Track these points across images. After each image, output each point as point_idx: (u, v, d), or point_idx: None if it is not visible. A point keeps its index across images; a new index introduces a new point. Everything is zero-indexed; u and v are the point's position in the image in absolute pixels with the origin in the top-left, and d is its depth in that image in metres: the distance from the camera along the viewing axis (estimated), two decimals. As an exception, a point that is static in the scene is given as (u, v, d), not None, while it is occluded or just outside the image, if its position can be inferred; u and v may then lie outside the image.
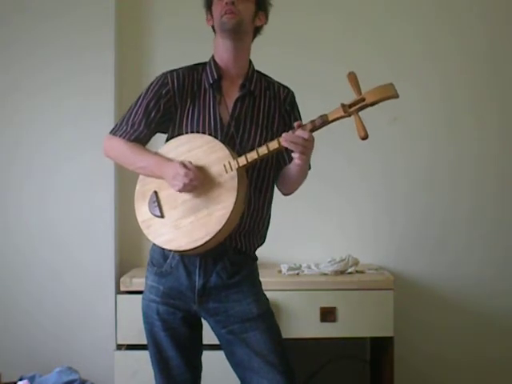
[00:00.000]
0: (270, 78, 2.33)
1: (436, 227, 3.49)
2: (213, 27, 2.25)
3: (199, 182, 2.09)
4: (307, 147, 2.05)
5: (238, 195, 2.08)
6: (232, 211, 2.07)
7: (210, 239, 2.08)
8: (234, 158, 2.10)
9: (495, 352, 3.47)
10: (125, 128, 2.21)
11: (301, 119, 2.30)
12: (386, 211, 3.47)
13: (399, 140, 3.46)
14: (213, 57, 2.25)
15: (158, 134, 2.28)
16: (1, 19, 3.25)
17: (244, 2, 2.16)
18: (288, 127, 2.26)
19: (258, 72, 2.30)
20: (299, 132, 2.04)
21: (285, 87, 2.33)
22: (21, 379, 2.97)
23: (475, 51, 3.48)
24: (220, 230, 2.08)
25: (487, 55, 3.48)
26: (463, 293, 3.47)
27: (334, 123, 2.09)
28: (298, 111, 2.34)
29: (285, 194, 2.35)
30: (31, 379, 2.97)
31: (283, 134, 2.06)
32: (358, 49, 3.42)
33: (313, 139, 2.06)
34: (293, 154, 2.08)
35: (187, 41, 3.32)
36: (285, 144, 2.05)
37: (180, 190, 2.10)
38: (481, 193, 3.49)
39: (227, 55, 2.22)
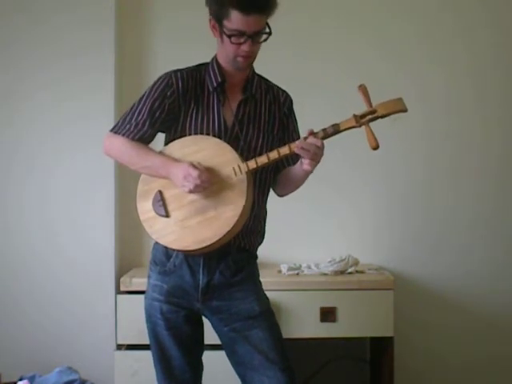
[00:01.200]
0: (269, 81, 2.34)
1: (436, 227, 3.49)
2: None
3: (210, 184, 2.10)
4: (318, 154, 2.08)
5: (247, 198, 2.10)
6: (241, 214, 2.09)
7: (218, 240, 2.09)
8: (242, 161, 2.12)
9: (495, 352, 3.47)
10: (128, 127, 2.19)
11: (296, 124, 2.34)
12: (386, 211, 3.47)
13: (399, 141, 3.45)
14: (216, 59, 2.24)
15: (160, 134, 2.27)
16: (1, 19, 3.25)
17: (258, 44, 2.15)
18: (287, 131, 2.29)
19: (257, 75, 2.30)
20: (312, 139, 2.07)
21: (283, 91, 2.34)
22: (21, 379, 2.98)
23: (476, 51, 3.47)
24: (228, 232, 2.09)
25: (488, 55, 3.48)
26: (463, 293, 3.47)
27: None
28: (295, 116, 2.36)
29: (280, 196, 2.37)
30: (31, 379, 2.97)
31: (297, 142, 2.09)
32: (359, 49, 3.41)
33: (323, 147, 2.09)
34: (303, 160, 2.10)
35: (187, 41, 3.31)
36: (297, 151, 2.08)
37: (190, 191, 2.09)
38: (481, 193, 3.49)
39: (231, 70, 2.21)
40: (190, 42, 3.28)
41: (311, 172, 2.14)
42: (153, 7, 3.42)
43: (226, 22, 2.09)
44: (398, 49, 3.46)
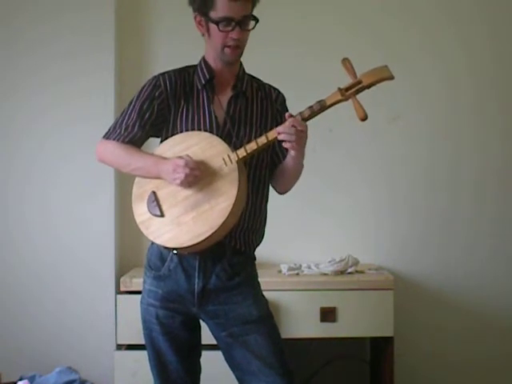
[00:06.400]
0: (259, 80, 2.34)
1: (437, 227, 3.48)
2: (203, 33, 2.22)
3: (200, 172, 2.08)
4: (300, 136, 2.06)
5: (239, 187, 2.08)
6: (234, 203, 2.07)
7: (213, 233, 2.07)
8: (232, 151, 2.11)
9: (495, 352, 3.47)
10: (118, 131, 2.19)
11: None
12: (386, 211, 3.47)
13: (400, 140, 3.45)
14: (204, 58, 2.25)
15: (152, 139, 2.28)
16: (1, 19, 3.25)
17: (247, 32, 2.16)
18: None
19: (248, 74, 2.30)
20: (290, 120, 2.05)
21: (275, 89, 2.34)
22: (21, 379, 2.98)
23: (476, 50, 3.47)
24: (223, 223, 2.07)
25: (488, 54, 3.47)
26: (463, 293, 3.47)
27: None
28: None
29: (280, 193, 2.35)
30: (31, 379, 2.97)
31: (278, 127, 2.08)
32: (358, 48, 3.39)
33: (306, 127, 2.07)
34: (287, 146, 2.08)
35: (187, 41, 3.29)
36: (280, 137, 2.06)
37: (182, 182, 2.08)
38: (482, 193, 3.49)
39: (220, 68, 2.22)
40: (189, 43, 3.24)
41: (299, 158, 2.12)
42: (153, 7, 3.42)
43: (212, 13, 2.11)
44: (397, 48, 3.44)
